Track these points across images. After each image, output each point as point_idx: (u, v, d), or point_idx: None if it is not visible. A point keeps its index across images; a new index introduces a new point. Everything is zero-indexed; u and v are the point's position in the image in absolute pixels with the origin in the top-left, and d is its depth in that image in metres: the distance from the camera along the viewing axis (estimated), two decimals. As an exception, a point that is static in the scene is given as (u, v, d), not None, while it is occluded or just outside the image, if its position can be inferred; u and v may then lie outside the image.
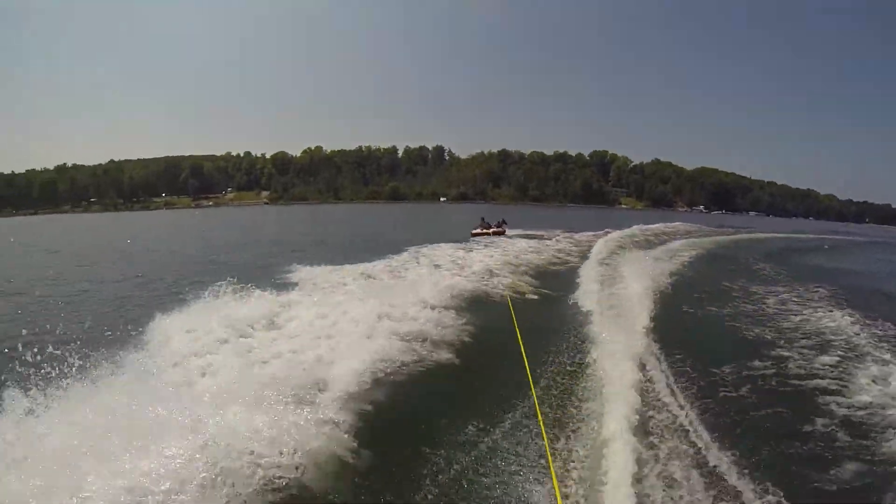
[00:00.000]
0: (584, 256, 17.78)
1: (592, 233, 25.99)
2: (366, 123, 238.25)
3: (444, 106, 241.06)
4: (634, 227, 28.59)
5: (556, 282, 13.44)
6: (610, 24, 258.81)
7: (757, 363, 7.39)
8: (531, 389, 5.84)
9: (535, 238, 23.20)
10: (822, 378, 6.84)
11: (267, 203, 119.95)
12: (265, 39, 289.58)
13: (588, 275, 13.94)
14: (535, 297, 11.57)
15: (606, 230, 26.88)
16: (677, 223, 37.72)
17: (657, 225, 32.19)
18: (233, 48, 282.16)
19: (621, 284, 12.32)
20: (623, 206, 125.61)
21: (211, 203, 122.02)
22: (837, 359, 7.45)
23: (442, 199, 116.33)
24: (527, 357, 6.72)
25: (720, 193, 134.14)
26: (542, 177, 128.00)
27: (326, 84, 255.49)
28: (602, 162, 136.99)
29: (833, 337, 8.58)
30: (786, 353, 7.80)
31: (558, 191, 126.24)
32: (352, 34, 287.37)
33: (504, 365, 6.86)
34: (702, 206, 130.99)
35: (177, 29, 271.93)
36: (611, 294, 11.36)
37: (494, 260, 14.87)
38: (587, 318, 9.45)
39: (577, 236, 24.42)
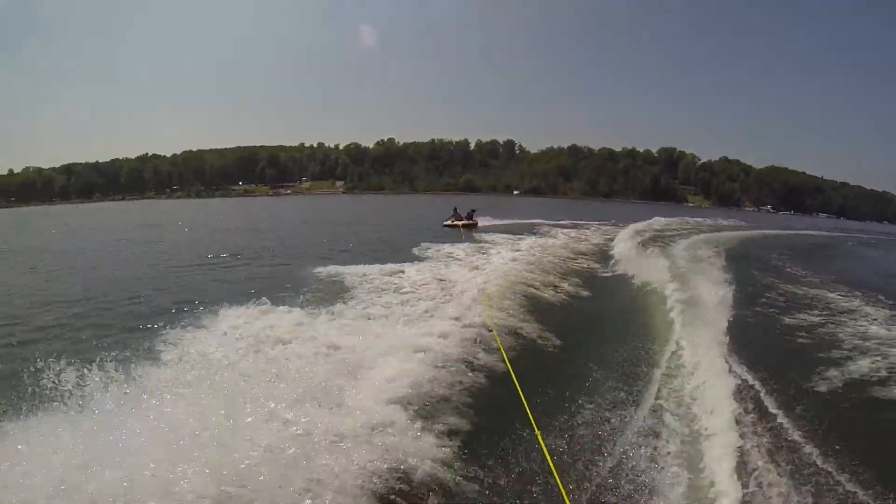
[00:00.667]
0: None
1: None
2: (436, 117, 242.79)
3: (516, 99, 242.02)
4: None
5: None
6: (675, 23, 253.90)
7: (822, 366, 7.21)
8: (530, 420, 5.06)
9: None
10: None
11: (343, 192, 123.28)
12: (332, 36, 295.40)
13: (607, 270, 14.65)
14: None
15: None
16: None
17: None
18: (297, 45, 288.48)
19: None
20: (690, 203, 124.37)
21: (289, 192, 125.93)
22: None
23: (515, 192, 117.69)
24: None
25: (789, 193, 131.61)
26: (611, 172, 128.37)
27: (396, 77, 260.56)
28: (670, 158, 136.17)
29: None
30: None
31: (627, 186, 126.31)
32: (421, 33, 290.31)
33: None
34: (769, 206, 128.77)
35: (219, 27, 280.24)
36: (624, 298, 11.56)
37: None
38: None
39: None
